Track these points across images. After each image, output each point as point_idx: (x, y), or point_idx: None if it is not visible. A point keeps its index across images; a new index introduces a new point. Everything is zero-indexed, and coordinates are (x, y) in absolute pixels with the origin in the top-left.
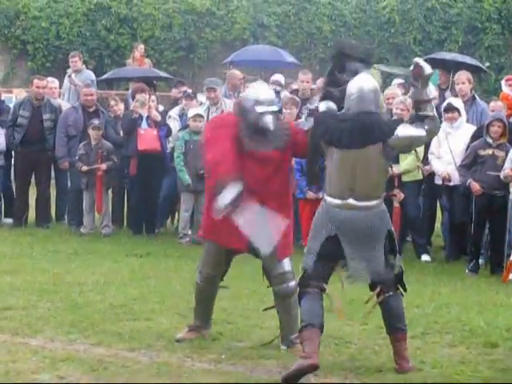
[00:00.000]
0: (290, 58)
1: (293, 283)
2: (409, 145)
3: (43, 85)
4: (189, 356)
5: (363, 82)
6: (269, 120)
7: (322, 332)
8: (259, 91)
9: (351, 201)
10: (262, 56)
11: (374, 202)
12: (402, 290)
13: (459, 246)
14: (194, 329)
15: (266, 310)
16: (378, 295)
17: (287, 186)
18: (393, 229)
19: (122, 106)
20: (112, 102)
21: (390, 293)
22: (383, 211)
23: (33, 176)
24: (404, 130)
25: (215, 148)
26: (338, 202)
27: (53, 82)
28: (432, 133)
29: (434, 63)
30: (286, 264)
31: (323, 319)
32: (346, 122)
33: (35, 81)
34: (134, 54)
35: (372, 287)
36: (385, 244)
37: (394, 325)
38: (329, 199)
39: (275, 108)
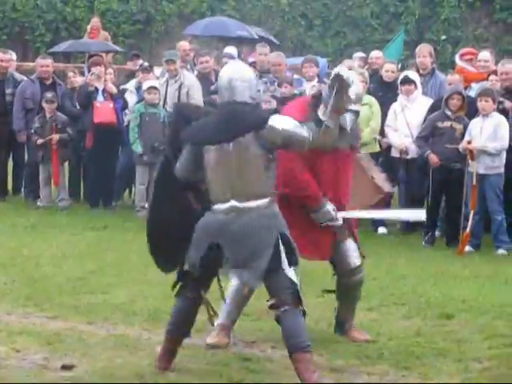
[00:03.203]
0: (243, 32)
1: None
2: (288, 141)
3: (7, 58)
4: (146, 329)
5: (233, 72)
6: (349, 118)
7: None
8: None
9: (234, 202)
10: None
11: (258, 202)
12: (301, 305)
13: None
14: (224, 328)
15: (324, 292)
16: (272, 308)
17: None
18: (288, 233)
19: (80, 79)
20: (70, 74)
21: (286, 307)
22: (273, 213)
23: None
24: (281, 122)
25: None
26: (222, 207)
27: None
28: (313, 139)
29: None
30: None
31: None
32: (210, 116)
33: None
34: (88, 26)
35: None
36: (275, 251)
37: (293, 344)
38: (214, 207)
39: (358, 108)
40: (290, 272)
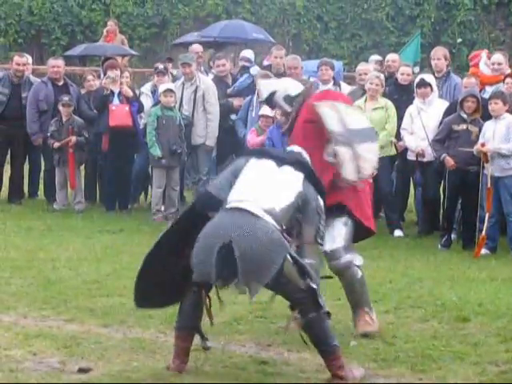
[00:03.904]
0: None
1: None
2: None
3: (23, 62)
4: (162, 332)
5: None
6: None
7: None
8: None
9: (249, 204)
10: (236, 32)
11: (271, 219)
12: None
13: (432, 221)
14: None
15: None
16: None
17: None
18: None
19: (97, 82)
20: (90, 77)
21: (309, 316)
22: (281, 237)
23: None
24: None
25: None
26: (236, 204)
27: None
28: None
29: None
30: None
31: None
32: None
33: (16, 58)
34: (105, 30)
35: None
36: (282, 267)
37: (322, 348)
38: (227, 205)
39: None
40: (301, 282)
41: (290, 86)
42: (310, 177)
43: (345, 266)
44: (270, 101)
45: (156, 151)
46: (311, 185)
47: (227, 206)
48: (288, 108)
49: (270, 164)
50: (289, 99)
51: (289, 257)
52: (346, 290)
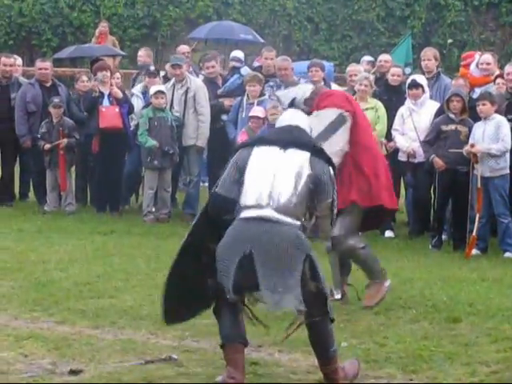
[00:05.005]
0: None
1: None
2: None
3: (11, 62)
4: (153, 333)
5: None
6: None
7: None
8: None
9: (269, 211)
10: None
11: (290, 220)
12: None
13: (422, 222)
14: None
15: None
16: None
17: None
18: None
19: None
20: (84, 77)
21: (316, 318)
22: (301, 235)
23: None
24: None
25: None
26: (255, 213)
27: (16, 59)
28: None
29: None
30: None
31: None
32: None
33: (3, 59)
34: (97, 31)
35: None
36: (304, 269)
37: (320, 352)
38: (245, 214)
39: None
40: (313, 285)
41: (306, 90)
42: (316, 152)
43: (348, 249)
44: (291, 106)
45: (151, 142)
46: (318, 158)
47: (244, 216)
48: (307, 109)
49: (273, 151)
50: (306, 101)
51: (308, 259)
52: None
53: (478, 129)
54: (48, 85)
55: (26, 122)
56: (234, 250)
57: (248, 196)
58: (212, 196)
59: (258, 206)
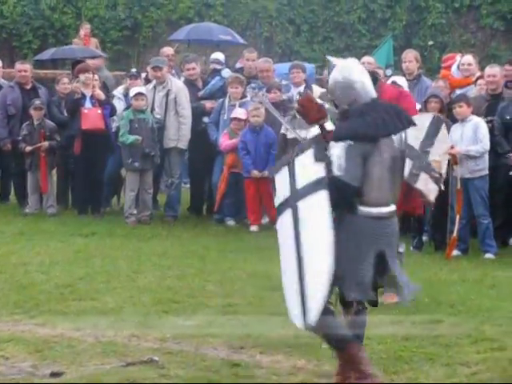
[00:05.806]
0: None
1: None
2: None
3: None
4: (134, 335)
5: (360, 73)
6: None
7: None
8: None
9: (393, 207)
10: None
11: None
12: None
13: (403, 223)
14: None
15: None
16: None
17: None
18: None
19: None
20: (65, 79)
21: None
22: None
23: None
24: None
25: None
26: (383, 210)
27: None
28: None
29: None
30: None
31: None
32: (371, 114)
33: None
34: (79, 33)
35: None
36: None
37: (358, 335)
38: (374, 211)
39: None
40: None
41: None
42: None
43: None
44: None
45: (133, 137)
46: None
47: (372, 213)
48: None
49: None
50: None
51: None
52: None
53: (456, 131)
54: (28, 87)
55: (5, 125)
56: (367, 254)
57: (372, 192)
58: (337, 183)
59: (382, 205)
